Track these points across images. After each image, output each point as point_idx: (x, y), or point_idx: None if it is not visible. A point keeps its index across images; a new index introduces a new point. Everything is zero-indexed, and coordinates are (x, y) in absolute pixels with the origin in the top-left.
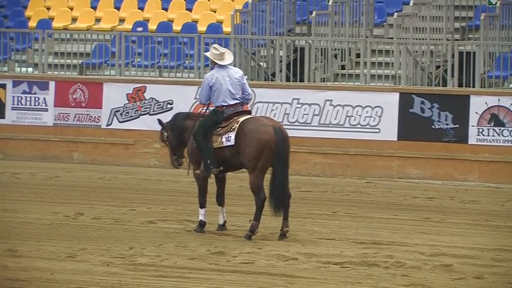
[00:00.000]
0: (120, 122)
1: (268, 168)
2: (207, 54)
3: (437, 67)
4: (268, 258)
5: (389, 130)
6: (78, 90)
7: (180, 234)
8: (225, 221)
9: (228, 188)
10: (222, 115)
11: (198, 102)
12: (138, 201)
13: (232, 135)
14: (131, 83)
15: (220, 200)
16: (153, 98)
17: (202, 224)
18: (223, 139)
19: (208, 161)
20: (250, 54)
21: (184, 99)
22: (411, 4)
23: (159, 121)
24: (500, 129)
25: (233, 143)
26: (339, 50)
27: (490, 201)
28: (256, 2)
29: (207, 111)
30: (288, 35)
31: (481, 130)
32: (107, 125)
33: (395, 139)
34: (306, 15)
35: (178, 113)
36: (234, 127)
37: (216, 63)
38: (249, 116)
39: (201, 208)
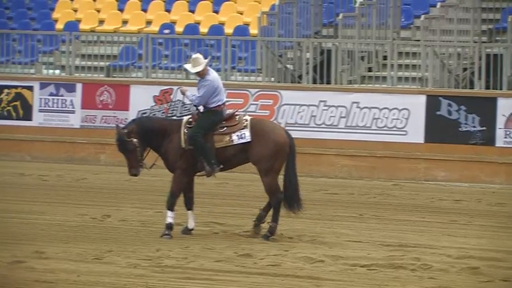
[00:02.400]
0: None
1: (281, 169)
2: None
3: (464, 69)
4: (294, 261)
5: (416, 132)
6: (105, 92)
7: (207, 236)
8: (193, 228)
9: (254, 189)
10: (221, 114)
11: (194, 103)
12: (165, 203)
13: (247, 132)
14: (158, 85)
15: (190, 204)
16: (180, 100)
17: (170, 227)
18: (234, 137)
19: (212, 161)
20: (277, 57)
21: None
22: (438, 6)
23: (118, 127)
24: None
25: (250, 139)
26: (365, 52)
27: None
28: (283, 4)
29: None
30: (315, 37)
31: (508, 132)
32: None
33: (422, 141)
34: (332, 18)
35: (139, 118)
36: (244, 124)
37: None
38: (251, 116)
39: (171, 211)
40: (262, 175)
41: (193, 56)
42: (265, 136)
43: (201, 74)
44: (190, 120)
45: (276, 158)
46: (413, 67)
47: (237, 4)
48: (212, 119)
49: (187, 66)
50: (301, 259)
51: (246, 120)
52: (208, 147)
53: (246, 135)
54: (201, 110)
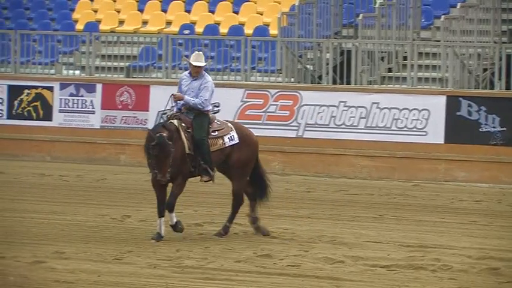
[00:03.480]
0: None
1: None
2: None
3: (485, 70)
4: (314, 261)
5: (436, 133)
6: (125, 92)
7: (227, 237)
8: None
9: (274, 190)
10: (209, 118)
11: (206, 108)
12: (185, 204)
13: (235, 134)
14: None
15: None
16: None
17: (175, 226)
18: (226, 139)
19: (213, 165)
20: (296, 57)
21: (230, 101)
22: (458, 7)
23: (153, 130)
24: None
25: (238, 141)
26: (385, 52)
27: None
28: (303, 4)
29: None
30: (335, 38)
31: None
32: None
33: (442, 142)
34: (352, 18)
35: (164, 122)
36: (230, 126)
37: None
38: (226, 119)
39: (173, 212)
40: (238, 177)
41: (198, 52)
42: (248, 138)
43: (198, 72)
44: (183, 124)
45: (253, 160)
46: (433, 68)
47: (257, 4)
48: (208, 122)
49: (191, 58)
50: (321, 260)
51: (228, 123)
52: (210, 151)
53: (235, 137)
54: (185, 112)
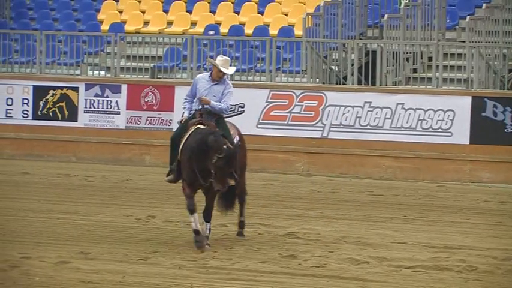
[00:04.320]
0: None
1: None
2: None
3: (510, 70)
4: (339, 262)
5: (461, 134)
6: (150, 93)
7: (251, 237)
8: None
9: (299, 191)
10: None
11: (224, 111)
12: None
13: (236, 134)
14: None
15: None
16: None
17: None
18: (235, 141)
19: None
20: (321, 58)
21: (256, 102)
22: (484, 7)
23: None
24: None
25: (239, 141)
26: (410, 53)
27: None
28: (328, 5)
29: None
30: (360, 38)
31: None
32: None
33: (468, 143)
34: (377, 19)
35: (211, 132)
36: (233, 128)
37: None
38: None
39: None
40: (241, 175)
41: (225, 57)
42: (242, 138)
43: (221, 77)
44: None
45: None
46: (458, 68)
47: (282, 5)
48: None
49: (219, 62)
50: (346, 260)
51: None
52: None
53: (237, 138)
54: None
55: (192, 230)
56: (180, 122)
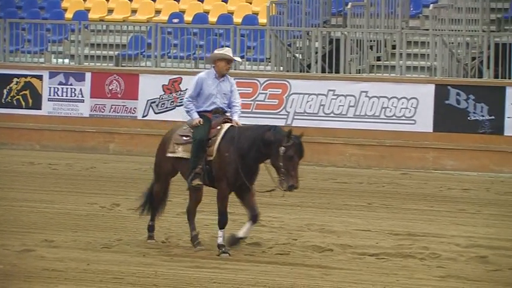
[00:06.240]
0: (156, 113)
1: None
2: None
3: (473, 58)
4: (303, 250)
5: (424, 121)
6: (114, 81)
7: (216, 225)
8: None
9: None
10: None
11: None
12: (174, 192)
13: None
14: (167, 74)
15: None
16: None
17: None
18: None
19: None
20: (285, 46)
21: None
22: None
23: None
24: None
25: None
26: (374, 41)
27: None
28: None
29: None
30: (324, 27)
31: None
32: (143, 116)
33: (431, 130)
34: (341, 7)
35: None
36: None
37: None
38: None
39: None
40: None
41: (225, 48)
42: None
43: (228, 70)
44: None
45: None
46: (422, 56)
47: None
48: None
49: (226, 53)
50: (310, 248)
51: None
52: None
53: None
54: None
55: (218, 245)
56: (198, 123)
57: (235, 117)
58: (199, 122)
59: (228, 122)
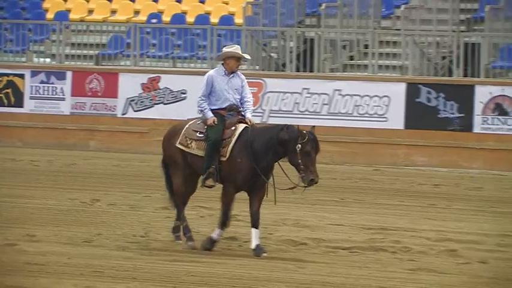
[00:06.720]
0: (135, 111)
1: None
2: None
3: (443, 58)
4: (278, 244)
5: (396, 119)
6: (95, 80)
7: (193, 220)
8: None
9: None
10: None
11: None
12: (153, 188)
13: None
14: (146, 73)
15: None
16: (167, 88)
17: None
18: None
19: None
20: (261, 45)
21: (197, 89)
22: None
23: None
24: (504, 118)
25: None
26: (347, 41)
27: (494, 188)
28: None
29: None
30: (298, 27)
31: (485, 119)
32: (122, 114)
33: (403, 128)
34: (315, 7)
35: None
36: None
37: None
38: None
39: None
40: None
41: (234, 45)
42: None
43: (238, 66)
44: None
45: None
46: (393, 55)
47: None
48: None
49: (236, 51)
50: (285, 242)
51: None
52: None
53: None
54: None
55: (210, 237)
56: (213, 123)
57: (248, 115)
58: (214, 121)
59: (241, 122)
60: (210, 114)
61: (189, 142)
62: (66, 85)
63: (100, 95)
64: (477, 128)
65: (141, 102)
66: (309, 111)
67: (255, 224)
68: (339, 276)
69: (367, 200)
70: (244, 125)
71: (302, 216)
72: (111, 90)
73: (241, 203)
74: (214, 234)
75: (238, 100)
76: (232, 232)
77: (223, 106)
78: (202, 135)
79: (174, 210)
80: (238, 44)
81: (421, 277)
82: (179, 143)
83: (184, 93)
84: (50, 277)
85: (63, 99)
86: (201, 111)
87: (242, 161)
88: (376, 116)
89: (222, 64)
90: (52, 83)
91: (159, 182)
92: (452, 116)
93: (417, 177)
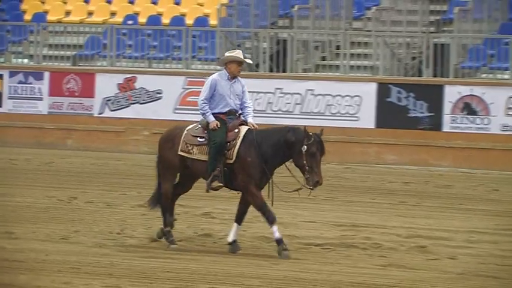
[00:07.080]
0: (111, 110)
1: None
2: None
3: (413, 58)
4: (252, 240)
5: (367, 118)
6: (72, 80)
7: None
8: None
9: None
10: None
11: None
12: (129, 186)
13: None
14: (122, 74)
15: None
16: (143, 88)
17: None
18: None
19: None
20: (235, 46)
21: (172, 89)
22: None
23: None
24: (472, 118)
25: None
26: (319, 42)
27: (463, 186)
28: None
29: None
30: (271, 28)
31: (454, 118)
32: (99, 114)
33: (373, 127)
34: (288, 9)
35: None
36: None
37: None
38: None
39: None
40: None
41: (236, 50)
42: None
43: (240, 71)
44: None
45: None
46: (365, 56)
47: None
48: None
49: (238, 55)
50: (259, 238)
51: None
52: None
53: None
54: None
55: (276, 240)
56: (215, 127)
57: (250, 119)
58: (217, 125)
59: (243, 125)
60: (211, 118)
61: (190, 148)
62: (44, 85)
63: (77, 95)
64: (446, 127)
65: (118, 102)
66: (282, 111)
67: (239, 220)
68: (311, 272)
69: (339, 197)
70: (247, 127)
71: (275, 214)
72: (88, 90)
73: (213, 200)
74: (276, 234)
75: (238, 106)
76: (207, 229)
77: (224, 111)
78: (203, 139)
79: (153, 210)
80: (238, 49)
81: (391, 273)
82: (181, 150)
83: (159, 93)
84: (29, 274)
85: (41, 99)
86: (203, 114)
87: (252, 160)
88: (347, 115)
89: (225, 69)
90: (30, 83)
91: (135, 180)
92: (422, 115)
93: (388, 175)
